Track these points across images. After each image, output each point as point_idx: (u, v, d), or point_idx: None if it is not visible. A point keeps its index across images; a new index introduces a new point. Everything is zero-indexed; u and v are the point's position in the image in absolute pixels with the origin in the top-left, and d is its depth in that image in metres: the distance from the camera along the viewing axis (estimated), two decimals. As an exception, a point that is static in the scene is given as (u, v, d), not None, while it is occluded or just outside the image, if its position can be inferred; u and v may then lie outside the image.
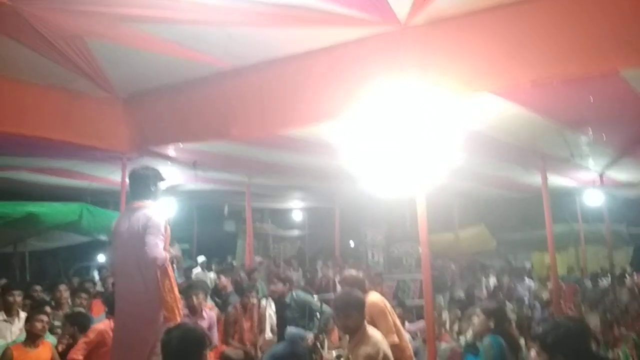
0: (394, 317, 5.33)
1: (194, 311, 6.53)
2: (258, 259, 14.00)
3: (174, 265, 7.03)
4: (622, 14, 3.92)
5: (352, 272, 5.92)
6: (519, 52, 4.26)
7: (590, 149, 7.89)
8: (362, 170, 6.31)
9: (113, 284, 7.86)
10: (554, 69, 4.16)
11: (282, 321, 6.72)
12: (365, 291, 5.24)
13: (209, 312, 6.88)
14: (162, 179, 4.93)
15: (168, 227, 4.66)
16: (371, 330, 4.21)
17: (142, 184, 4.78)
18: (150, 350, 4.38)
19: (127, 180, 5.06)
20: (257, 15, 4.50)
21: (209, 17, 4.59)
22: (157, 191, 4.85)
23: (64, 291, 7.12)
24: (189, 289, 6.91)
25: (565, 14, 4.13)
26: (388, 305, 5.39)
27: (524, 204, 14.40)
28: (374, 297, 5.25)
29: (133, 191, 4.81)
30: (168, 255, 4.51)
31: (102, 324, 5.40)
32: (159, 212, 4.67)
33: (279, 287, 6.70)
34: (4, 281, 8.75)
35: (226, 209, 15.51)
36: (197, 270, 12.47)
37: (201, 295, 6.75)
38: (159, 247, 4.43)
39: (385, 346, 4.14)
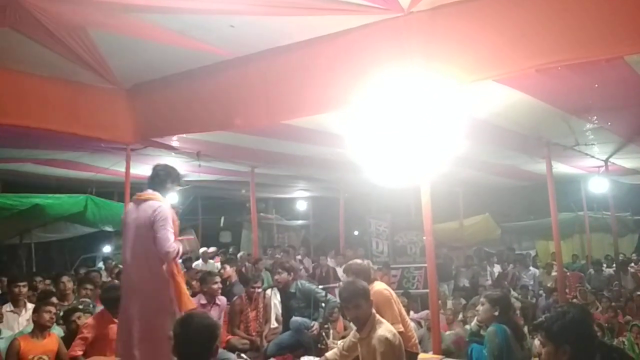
0: (399, 306, 5.32)
1: (210, 298, 6.66)
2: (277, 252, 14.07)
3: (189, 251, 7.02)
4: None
5: (357, 260, 5.91)
6: (523, 38, 4.22)
7: (595, 136, 7.86)
8: (366, 160, 6.30)
9: (118, 274, 7.95)
10: (559, 56, 4.13)
11: (288, 311, 6.74)
12: (370, 280, 5.23)
13: (222, 299, 6.96)
14: (180, 185, 5.03)
15: (176, 217, 4.70)
16: (380, 317, 4.21)
17: (161, 178, 4.83)
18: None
19: (140, 171, 5.07)
20: (259, 3, 4.48)
21: (211, 6, 4.58)
22: (171, 190, 4.90)
23: (67, 282, 7.12)
24: (209, 275, 7.07)
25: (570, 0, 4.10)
26: (394, 294, 5.37)
27: (529, 192, 14.42)
28: (379, 286, 5.24)
29: (149, 183, 4.84)
30: (180, 247, 4.54)
31: (93, 318, 5.44)
32: (166, 202, 4.69)
33: (284, 276, 6.72)
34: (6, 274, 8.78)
35: (222, 220, 15.41)
36: (197, 261, 12.49)
37: (219, 282, 6.93)
38: (170, 241, 4.44)
39: (396, 331, 4.16)
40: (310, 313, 6.50)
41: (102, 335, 5.29)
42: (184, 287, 4.64)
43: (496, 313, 4.82)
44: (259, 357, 6.66)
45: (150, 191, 4.74)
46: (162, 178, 4.82)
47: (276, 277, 6.89)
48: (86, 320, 5.70)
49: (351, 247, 13.61)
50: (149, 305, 4.48)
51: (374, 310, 4.20)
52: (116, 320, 5.30)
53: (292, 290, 6.67)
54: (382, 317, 4.69)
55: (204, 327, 3.11)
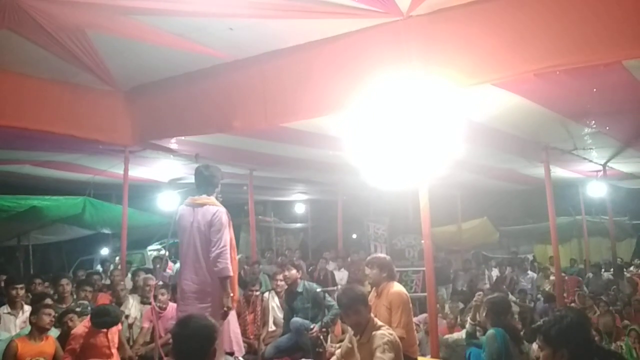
0: (409, 313, 5.15)
1: None
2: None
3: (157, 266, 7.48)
4: (625, 4, 3.89)
5: (380, 254, 5.89)
6: (522, 42, 4.23)
7: (593, 140, 7.86)
8: (364, 162, 6.30)
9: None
10: (557, 60, 4.14)
11: (291, 310, 6.71)
12: (393, 277, 5.17)
13: None
14: (223, 178, 5.29)
15: (230, 219, 5.07)
16: (377, 320, 4.19)
17: (210, 181, 5.14)
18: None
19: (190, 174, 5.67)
20: (258, 7, 4.49)
21: (210, 9, 4.58)
22: (218, 188, 5.19)
23: (66, 285, 7.12)
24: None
25: (568, 4, 4.11)
26: (409, 301, 5.23)
27: (527, 196, 14.42)
28: (398, 287, 5.08)
29: (199, 187, 5.14)
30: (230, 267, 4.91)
31: (79, 328, 5.43)
32: (222, 208, 5.03)
33: (293, 273, 6.72)
34: (3, 277, 8.77)
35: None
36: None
37: None
38: (228, 264, 4.87)
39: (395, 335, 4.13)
40: (314, 314, 6.49)
41: (90, 344, 5.31)
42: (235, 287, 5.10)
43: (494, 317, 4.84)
44: (257, 360, 6.66)
45: (205, 196, 5.07)
46: (210, 180, 5.15)
47: (286, 272, 6.88)
48: (80, 322, 5.71)
49: (355, 250, 13.61)
50: (208, 304, 4.87)
51: (372, 315, 4.17)
52: (104, 330, 5.33)
53: (299, 289, 6.66)
54: (392, 317, 4.68)
55: (201, 328, 3.10)
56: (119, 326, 5.81)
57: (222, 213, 4.96)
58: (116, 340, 5.59)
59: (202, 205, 5.01)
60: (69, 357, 5.24)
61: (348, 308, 4.13)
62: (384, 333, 3.97)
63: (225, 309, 4.86)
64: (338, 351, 4.49)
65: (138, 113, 6.98)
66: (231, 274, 4.94)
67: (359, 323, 4.09)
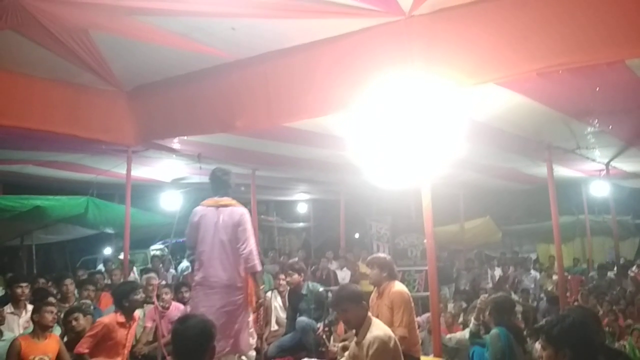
0: (411, 312, 5.17)
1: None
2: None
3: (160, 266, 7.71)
4: (627, 3, 3.89)
5: (380, 254, 5.91)
6: (524, 42, 4.23)
7: (596, 140, 7.85)
8: (367, 162, 6.30)
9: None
10: (559, 59, 4.13)
11: (295, 312, 6.71)
12: (394, 276, 5.18)
13: None
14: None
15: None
16: (376, 320, 4.18)
17: (228, 183, 5.51)
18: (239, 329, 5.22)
19: (202, 176, 6.02)
20: (261, 6, 4.49)
21: (213, 9, 4.58)
22: (233, 189, 5.59)
23: (69, 285, 7.14)
24: (181, 285, 7.45)
25: (571, 3, 4.10)
26: (411, 299, 5.21)
27: (530, 195, 14.37)
28: (399, 287, 5.10)
29: (216, 189, 5.50)
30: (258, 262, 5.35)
31: (107, 318, 5.43)
32: (246, 209, 5.45)
33: (295, 277, 6.72)
34: (9, 275, 8.78)
35: None
36: (184, 264, 12.48)
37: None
38: (255, 254, 5.27)
39: (393, 334, 4.11)
40: (319, 314, 6.49)
41: (111, 337, 5.29)
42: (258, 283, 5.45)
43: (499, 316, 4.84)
44: (259, 359, 6.66)
45: (227, 198, 5.42)
46: (227, 183, 5.50)
47: (287, 278, 6.89)
48: (84, 321, 5.71)
49: (352, 249, 13.60)
50: (239, 296, 5.22)
51: (369, 314, 4.15)
52: (128, 325, 5.34)
53: (304, 291, 6.66)
54: (394, 317, 4.67)
55: (199, 324, 3.11)
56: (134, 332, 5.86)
57: (247, 214, 5.39)
58: (130, 342, 5.60)
59: (226, 206, 5.37)
60: (89, 341, 5.21)
61: (336, 305, 4.20)
62: (377, 334, 3.92)
63: (259, 300, 5.45)
64: (346, 353, 4.48)
65: (141, 113, 6.99)
66: (260, 268, 5.44)
67: (348, 320, 4.10)
